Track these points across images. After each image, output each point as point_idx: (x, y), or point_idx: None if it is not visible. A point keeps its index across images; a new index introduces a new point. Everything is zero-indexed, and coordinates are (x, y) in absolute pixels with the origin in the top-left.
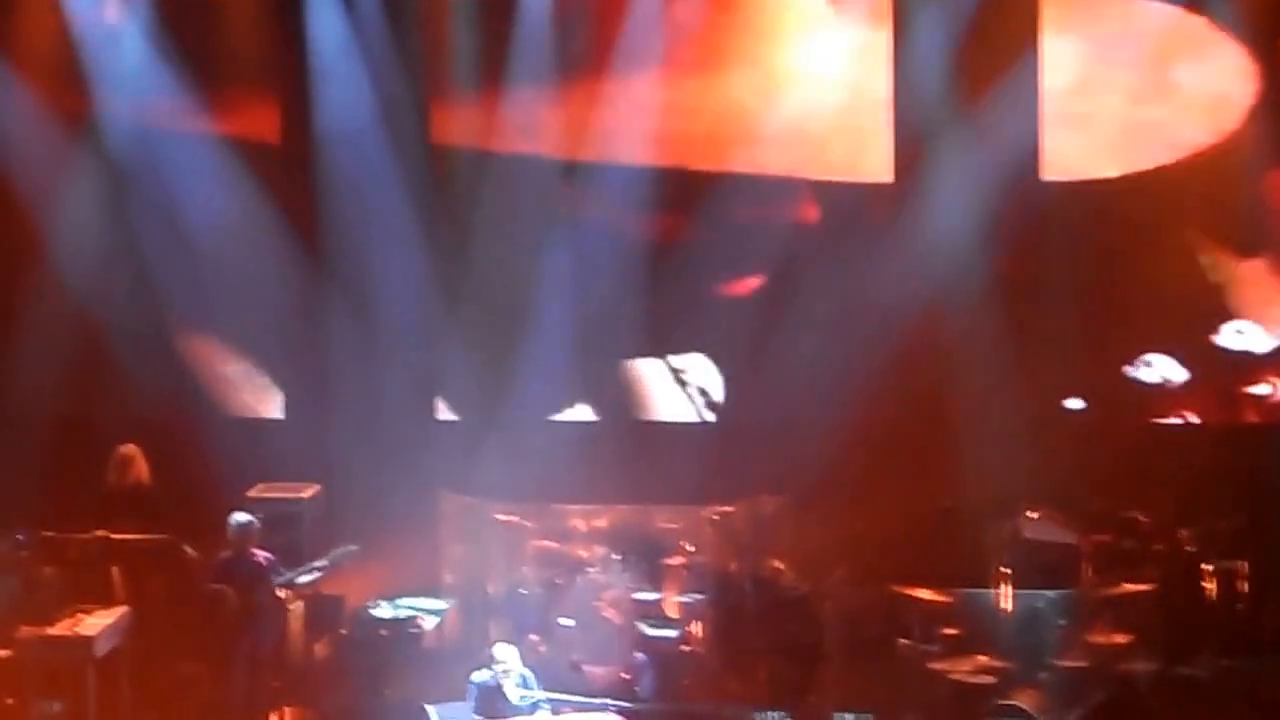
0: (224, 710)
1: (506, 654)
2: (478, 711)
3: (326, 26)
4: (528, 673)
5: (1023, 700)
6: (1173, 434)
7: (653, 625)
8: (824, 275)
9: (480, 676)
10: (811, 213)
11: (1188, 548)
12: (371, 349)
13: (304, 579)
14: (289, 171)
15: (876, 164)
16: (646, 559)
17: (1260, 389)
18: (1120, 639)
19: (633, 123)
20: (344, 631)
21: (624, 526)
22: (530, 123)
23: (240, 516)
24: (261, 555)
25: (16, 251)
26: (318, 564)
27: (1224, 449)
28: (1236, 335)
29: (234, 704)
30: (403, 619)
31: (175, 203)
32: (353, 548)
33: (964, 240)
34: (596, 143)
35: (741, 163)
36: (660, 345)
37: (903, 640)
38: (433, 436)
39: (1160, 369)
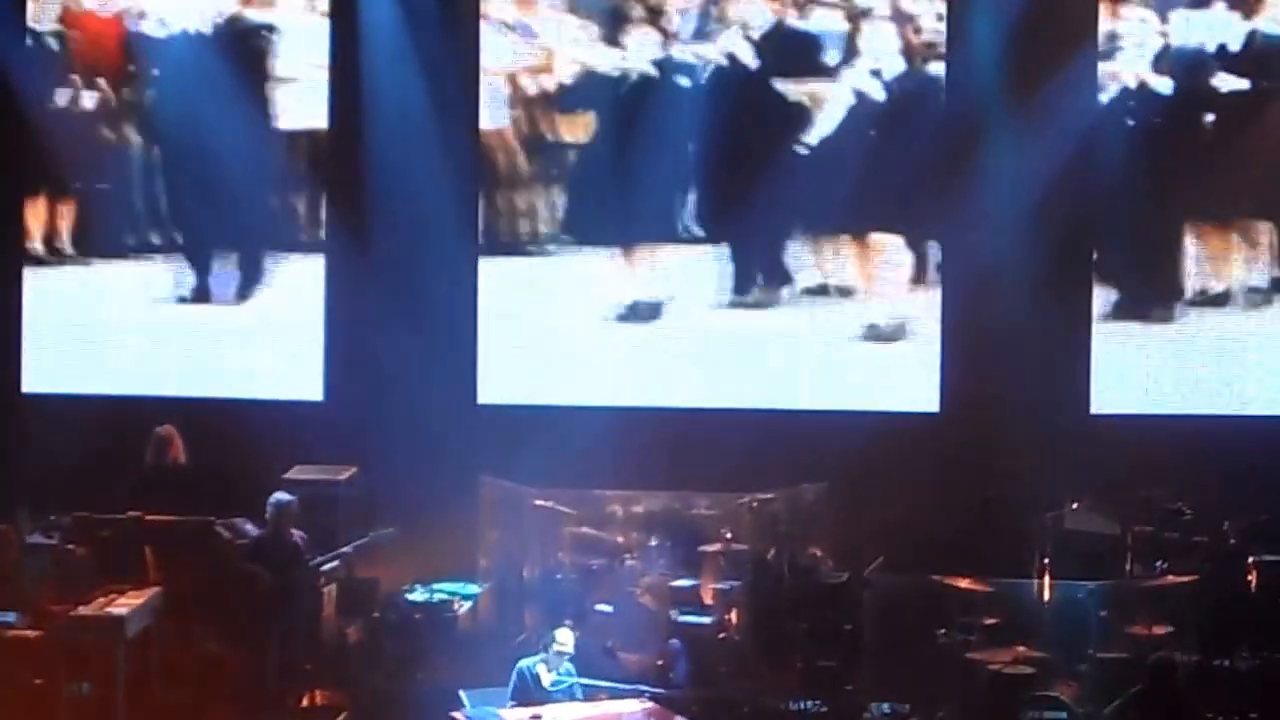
0: (256, 692)
1: (566, 639)
2: (514, 697)
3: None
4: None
5: (1061, 691)
6: (1216, 426)
7: (689, 612)
8: None
9: (528, 661)
10: None
11: (1230, 540)
12: (413, 332)
13: (338, 561)
14: (335, 155)
15: None
16: (684, 545)
17: None
18: (1160, 631)
19: None
20: (378, 615)
21: (662, 513)
22: None
23: (278, 496)
24: (297, 536)
25: None
26: (354, 544)
27: (1267, 442)
28: None
29: (266, 685)
30: (437, 603)
31: (216, 179)
32: (390, 530)
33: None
34: None
35: None
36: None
37: (941, 630)
38: (472, 421)
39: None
